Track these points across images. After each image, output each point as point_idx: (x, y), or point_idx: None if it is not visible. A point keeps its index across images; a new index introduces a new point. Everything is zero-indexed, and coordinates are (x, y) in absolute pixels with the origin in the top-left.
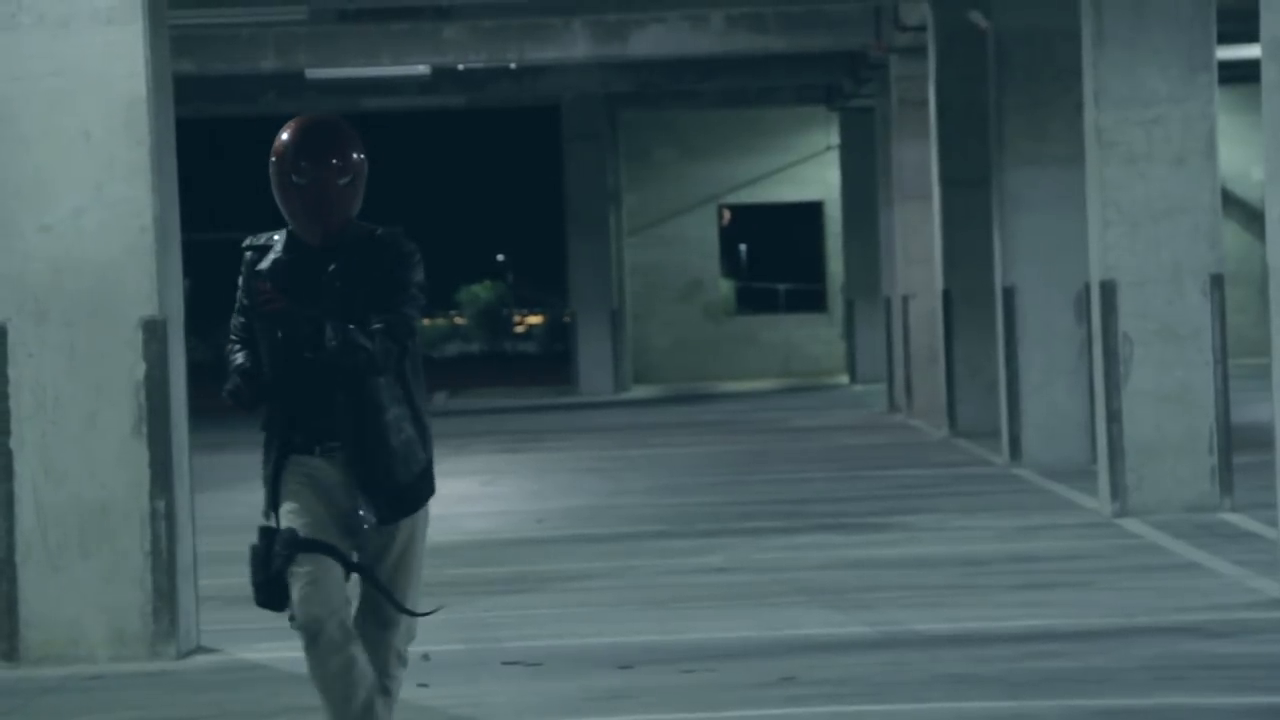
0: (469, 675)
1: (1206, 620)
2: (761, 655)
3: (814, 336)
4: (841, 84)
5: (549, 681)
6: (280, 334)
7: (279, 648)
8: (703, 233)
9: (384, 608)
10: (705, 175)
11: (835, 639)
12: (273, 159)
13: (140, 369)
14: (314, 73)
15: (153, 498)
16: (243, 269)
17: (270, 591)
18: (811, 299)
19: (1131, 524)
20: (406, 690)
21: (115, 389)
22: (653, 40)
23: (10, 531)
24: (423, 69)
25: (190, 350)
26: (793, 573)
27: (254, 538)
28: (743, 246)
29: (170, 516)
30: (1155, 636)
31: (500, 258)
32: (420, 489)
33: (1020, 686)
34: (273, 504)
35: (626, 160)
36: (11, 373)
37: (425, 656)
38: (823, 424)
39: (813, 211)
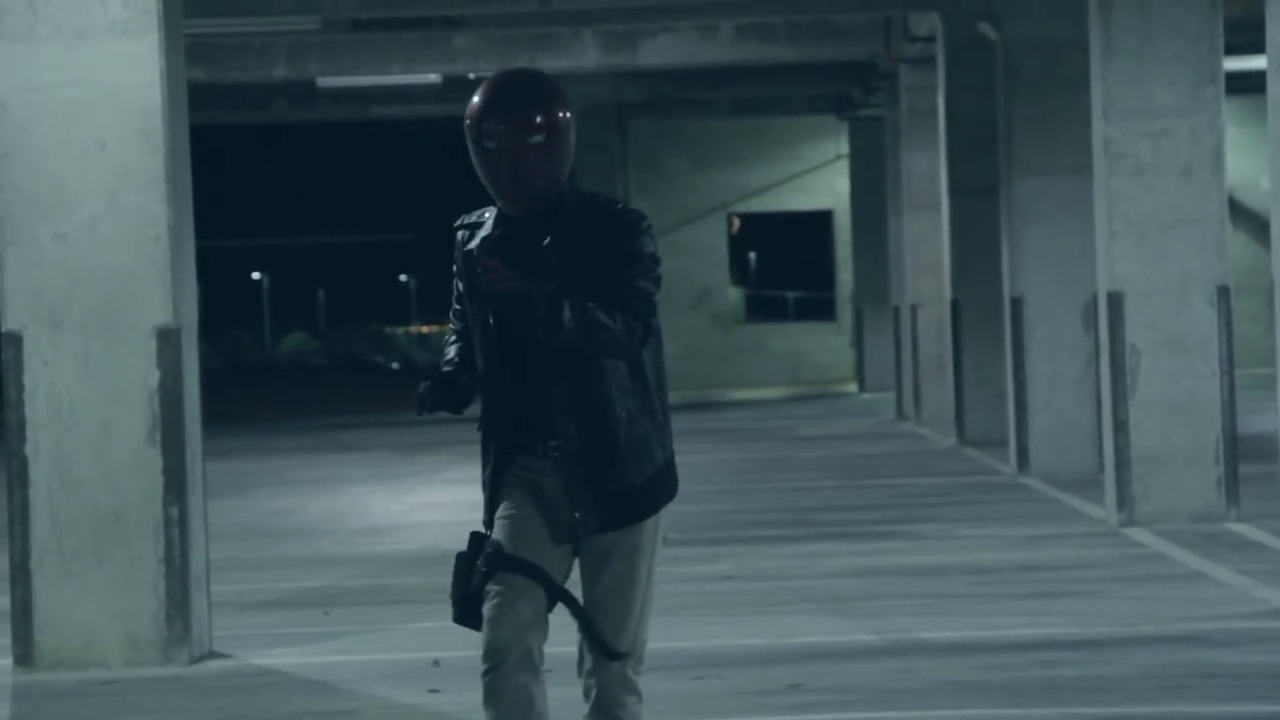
0: (479, 682)
1: (1210, 630)
2: (769, 662)
3: (823, 345)
4: (851, 93)
5: (558, 688)
6: (508, 315)
7: (290, 653)
8: (712, 241)
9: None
10: (715, 184)
11: (842, 647)
12: (465, 124)
13: (154, 377)
14: (325, 81)
15: (166, 504)
16: (455, 252)
17: (467, 608)
18: (820, 307)
19: (1138, 533)
20: (417, 696)
21: (129, 396)
22: (663, 50)
23: (25, 538)
24: (433, 77)
25: (200, 357)
26: (800, 581)
27: (464, 545)
28: (752, 255)
29: (183, 523)
30: (1159, 645)
31: None
32: (653, 492)
33: (1025, 694)
34: (489, 512)
35: (636, 169)
36: (27, 380)
37: (435, 662)
38: (831, 432)
39: (822, 220)
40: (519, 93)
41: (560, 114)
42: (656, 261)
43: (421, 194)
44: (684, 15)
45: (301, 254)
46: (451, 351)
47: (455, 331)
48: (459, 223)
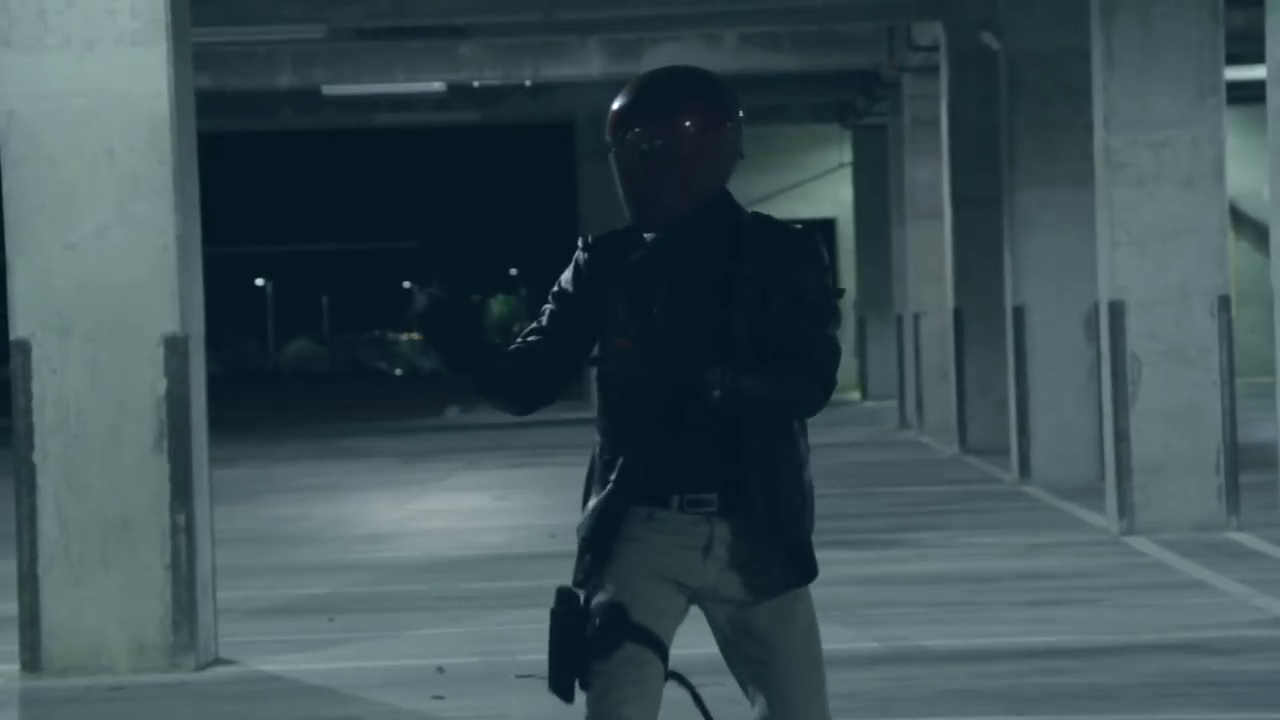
0: (483, 688)
1: (1210, 638)
2: None
3: None
4: (855, 102)
5: None
6: (644, 394)
7: (296, 660)
8: None
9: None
10: None
11: (844, 654)
12: None
13: (162, 385)
14: (330, 89)
15: (173, 511)
16: (571, 270)
17: (570, 676)
18: None
19: (1138, 542)
20: (421, 702)
21: (137, 404)
22: (667, 58)
23: (33, 544)
24: (438, 85)
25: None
26: None
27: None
28: None
29: (190, 530)
30: (1159, 654)
31: (514, 272)
32: (812, 550)
33: (1025, 702)
34: (594, 568)
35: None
36: (35, 388)
37: (439, 669)
38: (834, 440)
39: (825, 228)
40: (640, 94)
41: (694, 118)
42: (836, 293)
43: (425, 201)
44: (688, 24)
45: (305, 260)
46: (520, 342)
47: (536, 331)
48: (590, 241)
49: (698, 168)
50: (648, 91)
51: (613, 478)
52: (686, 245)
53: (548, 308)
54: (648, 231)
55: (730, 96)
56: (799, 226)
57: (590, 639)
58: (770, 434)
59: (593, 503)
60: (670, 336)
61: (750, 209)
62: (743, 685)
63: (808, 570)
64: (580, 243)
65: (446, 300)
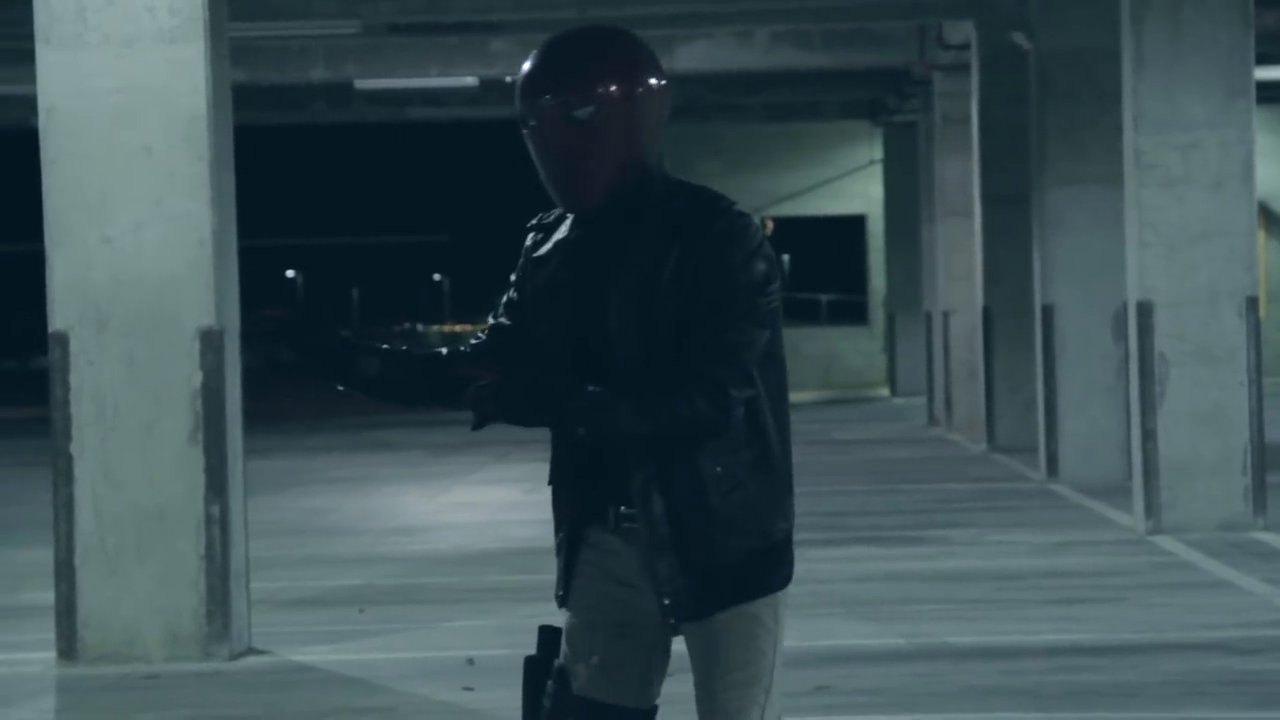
0: (513, 680)
1: (1234, 637)
2: (797, 664)
3: (855, 349)
4: (885, 100)
5: None
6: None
7: (328, 650)
8: None
9: None
10: (749, 188)
11: (870, 650)
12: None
13: (197, 378)
14: (363, 83)
15: (207, 503)
16: (521, 255)
17: None
18: (853, 311)
19: (1165, 541)
20: (452, 693)
21: (173, 397)
22: (699, 55)
23: (70, 535)
24: (470, 80)
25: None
26: (830, 584)
27: (533, 644)
28: (785, 258)
29: (224, 521)
30: (1184, 652)
31: None
32: (760, 570)
33: (1049, 699)
34: (562, 586)
35: (671, 173)
36: (73, 381)
37: (470, 661)
38: (862, 437)
39: (855, 225)
40: (560, 56)
41: (623, 80)
42: (762, 288)
43: (456, 195)
44: (720, 21)
45: (336, 253)
46: (471, 343)
47: (491, 328)
48: (533, 222)
49: (634, 137)
50: (571, 51)
51: (563, 488)
52: (593, 235)
53: (500, 315)
54: (577, 214)
55: (653, 54)
56: (721, 202)
57: (543, 708)
58: (670, 452)
59: (558, 519)
60: (563, 351)
61: (676, 180)
62: None
63: (714, 599)
64: (529, 230)
65: (294, 316)
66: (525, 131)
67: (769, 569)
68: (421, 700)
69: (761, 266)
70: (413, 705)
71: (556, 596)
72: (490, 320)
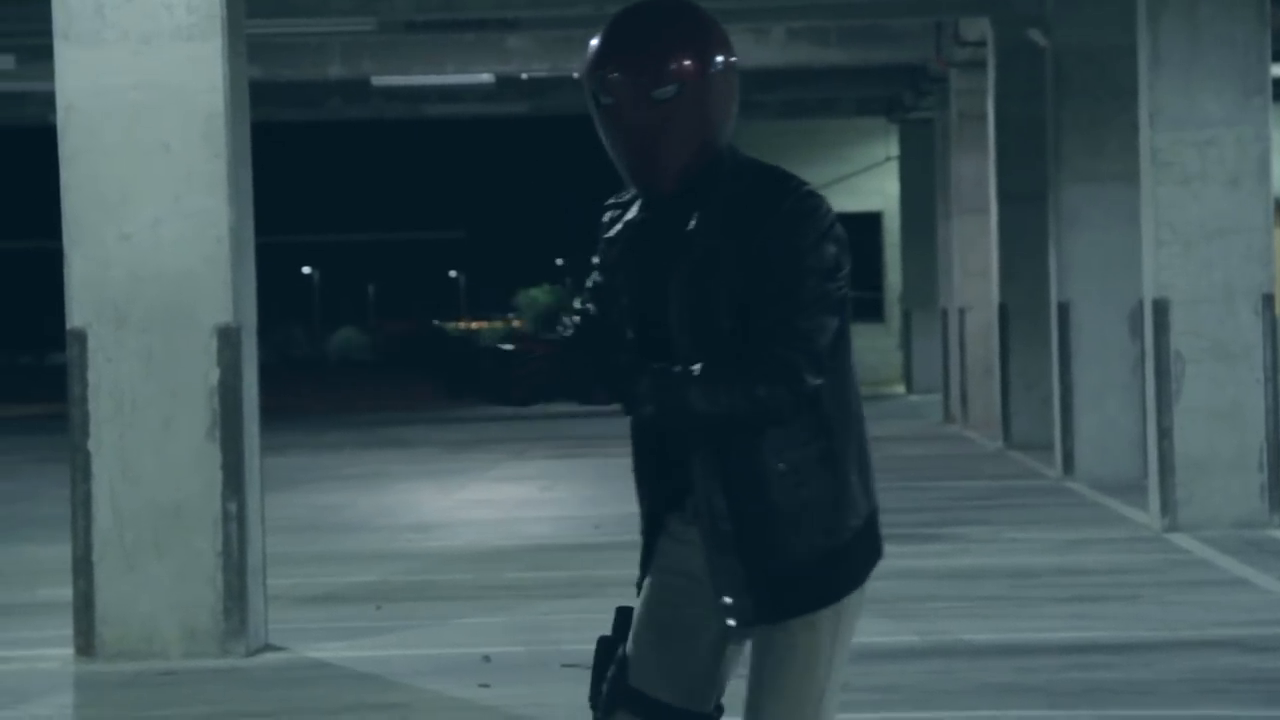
0: (529, 677)
1: (1249, 635)
2: None
3: (871, 346)
4: (902, 96)
5: None
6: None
7: (343, 647)
8: None
9: None
10: None
11: (885, 647)
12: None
13: (214, 375)
14: (379, 80)
15: (225, 499)
16: (599, 234)
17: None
18: (869, 308)
19: (1181, 539)
20: (467, 690)
21: (190, 394)
22: None
23: (88, 531)
24: (486, 77)
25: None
26: None
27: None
28: None
29: (241, 518)
30: (1198, 650)
31: (559, 262)
32: (831, 573)
33: (1063, 696)
34: (639, 588)
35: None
36: (91, 377)
37: (486, 658)
38: (878, 434)
39: (871, 222)
40: (642, 32)
41: (702, 57)
42: (833, 273)
43: (472, 192)
44: (736, 18)
45: (353, 250)
46: (571, 333)
47: (579, 313)
48: (608, 202)
49: (714, 119)
50: (646, 27)
51: (643, 481)
52: (658, 216)
53: (588, 296)
54: (650, 197)
55: (723, 29)
56: (790, 181)
57: (600, 690)
58: (732, 445)
59: (641, 506)
60: (640, 333)
61: (745, 158)
62: None
63: (782, 606)
64: (605, 208)
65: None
66: (597, 110)
67: (836, 570)
68: (436, 697)
69: (832, 249)
70: (428, 702)
71: (636, 585)
72: (576, 305)
